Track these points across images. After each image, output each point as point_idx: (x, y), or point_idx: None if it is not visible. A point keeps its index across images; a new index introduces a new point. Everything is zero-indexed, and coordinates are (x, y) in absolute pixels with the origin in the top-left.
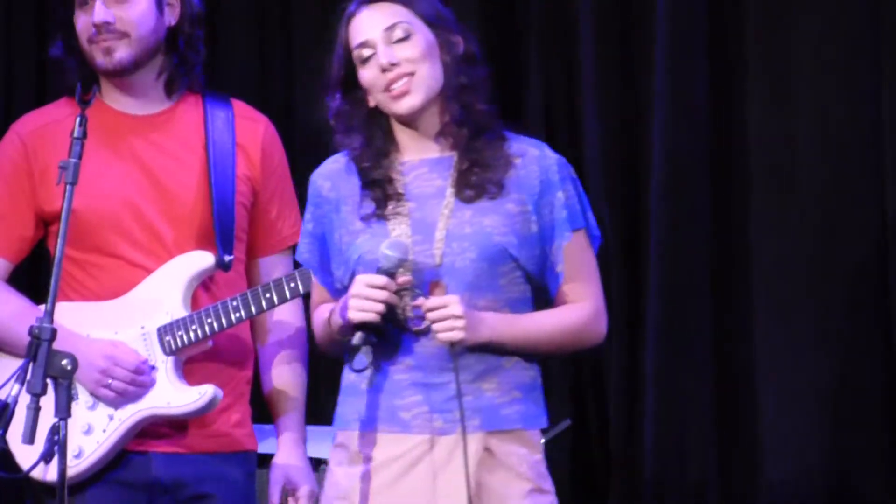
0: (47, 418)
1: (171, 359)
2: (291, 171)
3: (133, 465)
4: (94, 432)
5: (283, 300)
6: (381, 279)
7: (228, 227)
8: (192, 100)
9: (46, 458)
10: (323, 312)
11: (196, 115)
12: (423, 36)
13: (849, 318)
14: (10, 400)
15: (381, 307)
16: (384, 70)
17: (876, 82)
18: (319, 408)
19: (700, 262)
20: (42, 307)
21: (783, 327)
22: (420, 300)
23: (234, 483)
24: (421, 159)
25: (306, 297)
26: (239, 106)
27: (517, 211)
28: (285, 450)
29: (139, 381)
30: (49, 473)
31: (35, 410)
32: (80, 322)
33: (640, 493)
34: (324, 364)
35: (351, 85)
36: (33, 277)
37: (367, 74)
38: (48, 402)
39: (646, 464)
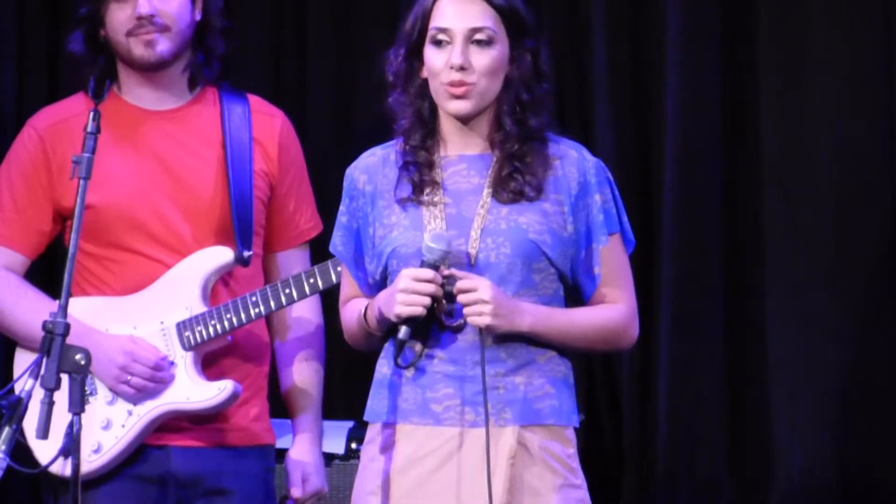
0: (65, 413)
1: (190, 354)
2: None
3: (151, 459)
4: (112, 427)
5: (302, 296)
6: (428, 272)
7: (247, 223)
8: (209, 95)
9: (65, 453)
10: (355, 307)
11: (213, 110)
12: (500, 47)
13: (862, 313)
14: (23, 395)
15: (428, 301)
16: (452, 67)
17: (888, 80)
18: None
19: (713, 259)
20: (59, 302)
21: (796, 323)
22: (455, 283)
23: (253, 477)
24: (460, 155)
25: (325, 294)
26: (255, 100)
27: (553, 211)
28: (301, 446)
29: (158, 378)
30: (67, 468)
31: (48, 405)
32: (99, 317)
33: (653, 488)
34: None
35: (414, 50)
36: (48, 272)
37: (433, 57)
38: (64, 396)
39: (658, 460)
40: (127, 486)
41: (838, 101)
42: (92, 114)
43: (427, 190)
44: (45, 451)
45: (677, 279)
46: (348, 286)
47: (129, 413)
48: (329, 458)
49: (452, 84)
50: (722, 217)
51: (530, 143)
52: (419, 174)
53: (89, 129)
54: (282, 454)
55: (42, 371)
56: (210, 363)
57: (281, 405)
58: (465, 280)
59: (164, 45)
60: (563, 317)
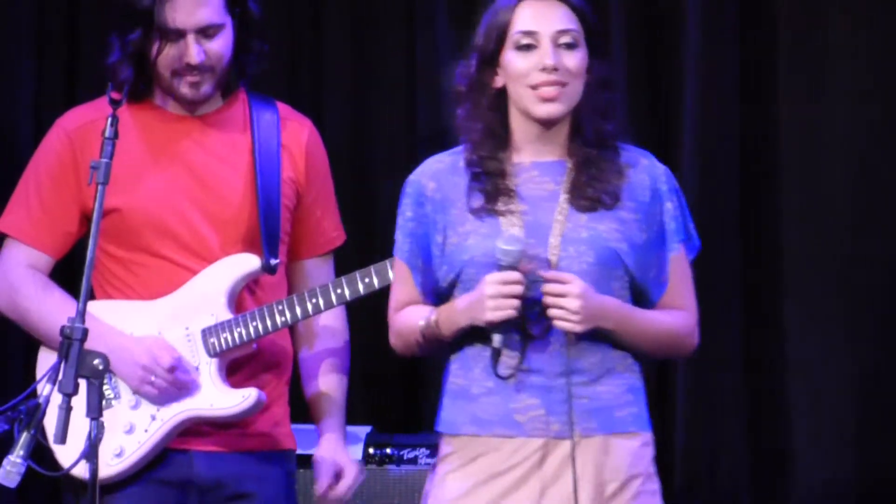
0: (83, 415)
1: (214, 361)
2: None
3: (174, 464)
4: (135, 432)
5: (329, 306)
6: (515, 275)
7: (274, 231)
8: (239, 100)
9: (87, 457)
10: (414, 313)
11: (242, 117)
12: (583, 51)
13: (882, 316)
14: (42, 400)
15: (518, 303)
16: (544, 69)
17: None
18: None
19: (731, 263)
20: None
21: (816, 327)
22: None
23: (275, 482)
24: (533, 162)
25: (350, 305)
26: (283, 108)
27: (629, 219)
28: (328, 444)
29: (177, 381)
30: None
31: (66, 410)
32: (123, 321)
33: (672, 499)
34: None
35: (489, 59)
36: (70, 274)
37: (519, 62)
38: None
39: (676, 470)
40: (148, 490)
41: (857, 100)
42: (109, 119)
43: (501, 199)
44: (66, 453)
45: (695, 283)
46: (405, 292)
47: (153, 418)
48: None
49: (543, 83)
50: (740, 219)
51: (605, 151)
52: (492, 184)
53: (107, 135)
54: (303, 460)
55: (60, 376)
56: (232, 369)
57: (302, 412)
58: (553, 285)
59: (208, 86)
60: (642, 317)
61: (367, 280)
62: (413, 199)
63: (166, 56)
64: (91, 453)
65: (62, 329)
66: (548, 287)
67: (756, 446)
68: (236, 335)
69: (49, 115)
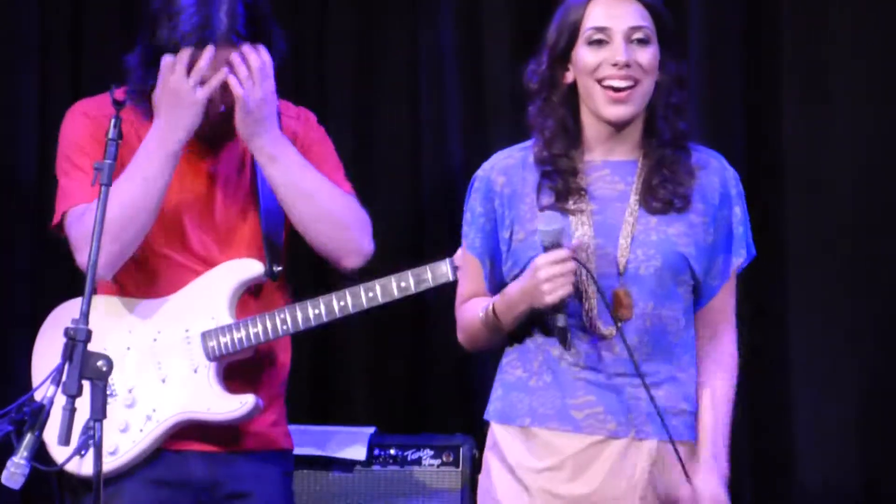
0: (83, 414)
1: (213, 364)
2: None
3: (170, 464)
4: (130, 431)
5: (331, 316)
6: (562, 252)
7: (276, 238)
8: None
9: (81, 451)
10: (477, 305)
11: None
12: (655, 48)
13: (886, 315)
14: (45, 401)
15: (573, 278)
16: (615, 65)
17: None
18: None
19: None
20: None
21: (818, 327)
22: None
23: (272, 482)
24: (604, 160)
25: (354, 315)
26: (283, 104)
27: (699, 222)
28: None
29: None
30: (84, 467)
31: (70, 412)
32: (123, 318)
33: None
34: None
35: (561, 56)
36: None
37: (591, 57)
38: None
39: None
40: (145, 490)
41: (861, 100)
42: (113, 121)
43: (572, 198)
44: (61, 448)
45: None
46: (472, 287)
47: (148, 418)
48: (351, 465)
49: (615, 78)
50: None
51: (677, 151)
52: (563, 182)
53: (110, 136)
54: (300, 460)
55: (64, 377)
56: (230, 369)
57: (301, 412)
58: None
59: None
60: (724, 439)
61: (370, 294)
62: (482, 194)
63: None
64: (95, 455)
65: (66, 330)
66: None
67: (758, 441)
68: (236, 339)
69: (53, 119)
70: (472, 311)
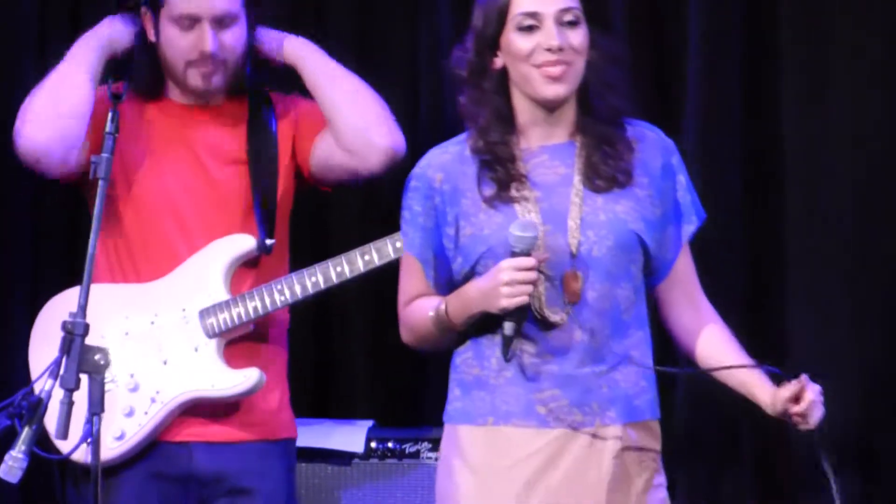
0: (85, 404)
1: (213, 341)
2: None
3: (174, 458)
4: (135, 414)
5: (329, 284)
6: (530, 261)
7: (269, 212)
8: (240, 97)
9: (87, 440)
10: (425, 305)
11: (241, 106)
12: (584, 27)
13: (888, 314)
14: (43, 395)
15: (531, 289)
16: (549, 49)
17: None
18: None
19: (734, 261)
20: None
21: (820, 324)
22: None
23: (275, 477)
24: (541, 146)
25: (350, 283)
26: (274, 97)
27: (644, 195)
28: None
29: None
30: (89, 455)
31: (68, 405)
32: (120, 303)
33: (674, 499)
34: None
35: (490, 42)
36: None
37: (523, 43)
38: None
39: (678, 467)
40: (150, 484)
41: (861, 99)
42: (110, 115)
43: (514, 186)
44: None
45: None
46: (414, 286)
47: (153, 400)
48: (349, 458)
49: (548, 63)
50: (743, 218)
51: (614, 127)
52: (504, 170)
53: (108, 130)
54: (302, 453)
55: (61, 371)
56: (232, 350)
57: (297, 405)
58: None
59: (219, 79)
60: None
61: (366, 257)
62: (421, 193)
63: (179, 46)
64: (93, 448)
65: (63, 324)
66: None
67: (758, 435)
68: (234, 315)
69: None
70: (421, 310)
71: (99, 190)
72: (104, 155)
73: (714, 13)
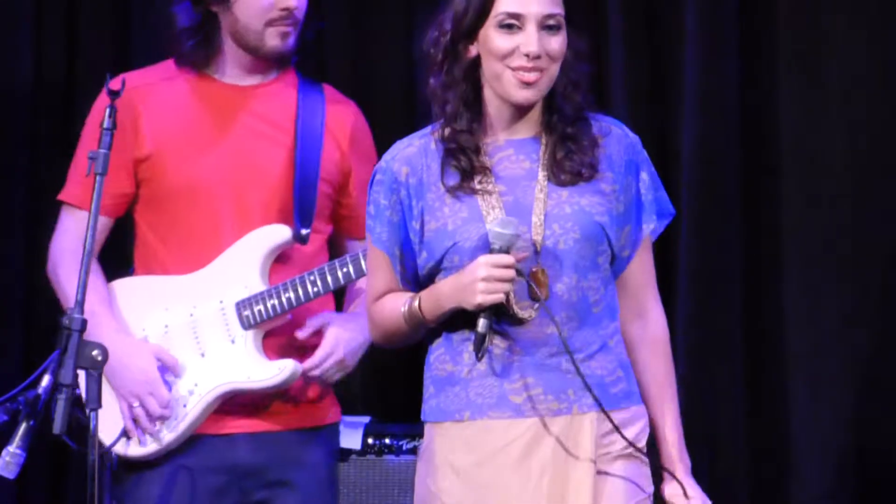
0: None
1: (250, 333)
2: None
3: (214, 449)
4: (175, 408)
5: (360, 274)
6: (509, 258)
7: (308, 202)
8: (289, 77)
9: (126, 435)
10: (395, 300)
11: (291, 92)
12: (565, 32)
13: (882, 305)
14: (41, 392)
15: (508, 286)
16: (527, 55)
17: None
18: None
19: (730, 252)
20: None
21: (815, 314)
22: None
23: (316, 468)
24: (507, 140)
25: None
26: (329, 90)
27: (609, 190)
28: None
29: (162, 415)
30: (130, 448)
31: (66, 401)
32: (159, 296)
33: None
34: None
35: (467, 33)
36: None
37: (502, 42)
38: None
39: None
40: (191, 477)
41: (856, 91)
42: (108, 110)
43: (478, 177)
44: (108, 433)
45: (694, 273)
46: (382, 281)
47: (191, 392)
48: (346, 454)
49: (523, 68)
50: (740, 210)
51: (580, 123)
52: (468, 160)
53: (105, 126)
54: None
55: (60, 367)
56: (269, 341)
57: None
58: None
59: (293, 38)
60: (678, 429)
61: None
62: (386, 186)
63: (259, 5)
64: (91, 444)
65: (61, 320)
66: None
67: (756, 432)
68: (269, 307)
69: (47, 104)
70: (392, 306)
71: (96, 185)
72: (101, 151)
73: (710, 4)
